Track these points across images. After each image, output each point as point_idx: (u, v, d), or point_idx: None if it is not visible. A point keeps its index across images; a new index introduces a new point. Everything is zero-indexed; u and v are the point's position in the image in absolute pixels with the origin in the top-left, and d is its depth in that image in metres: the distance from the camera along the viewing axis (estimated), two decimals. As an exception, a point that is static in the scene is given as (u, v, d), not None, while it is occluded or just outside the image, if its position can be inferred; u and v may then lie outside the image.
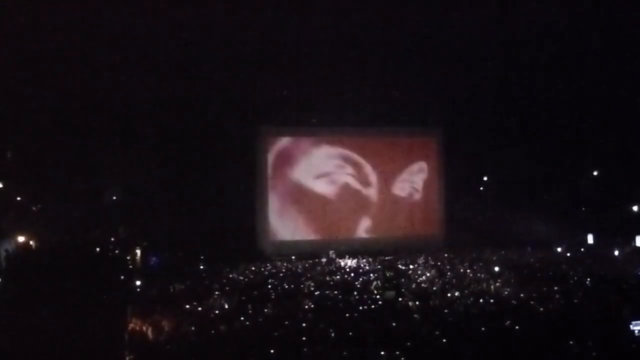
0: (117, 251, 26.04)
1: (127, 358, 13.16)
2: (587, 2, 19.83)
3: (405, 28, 22.81)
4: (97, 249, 26.08)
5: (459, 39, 24.12)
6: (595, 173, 32.71)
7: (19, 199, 27.05)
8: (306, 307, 17.84)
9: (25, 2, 19.79)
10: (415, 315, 16.35)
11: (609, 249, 27.66)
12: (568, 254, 27.86)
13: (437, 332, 14.20)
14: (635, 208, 30.20)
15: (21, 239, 24.71)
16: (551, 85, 28.50)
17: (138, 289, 20.76)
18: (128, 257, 25.70)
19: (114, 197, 30.83)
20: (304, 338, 13.98)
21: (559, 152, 31.90)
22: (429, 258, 27.72)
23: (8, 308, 15.58)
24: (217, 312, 17.48)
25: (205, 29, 21.69)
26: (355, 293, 19.66)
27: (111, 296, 16.55)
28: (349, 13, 21.01)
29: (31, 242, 25.75)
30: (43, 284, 16.16)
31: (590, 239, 29.46)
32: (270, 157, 32.58)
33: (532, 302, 17.63)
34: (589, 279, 21.23)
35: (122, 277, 21.05)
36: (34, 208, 27.86)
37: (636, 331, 14.04)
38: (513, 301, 18.06)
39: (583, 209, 32.27)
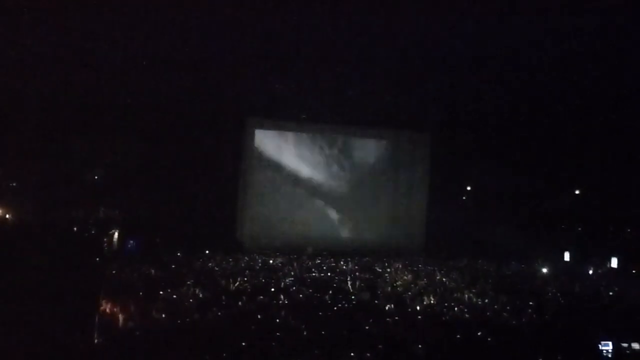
0: (93, 232, 25.95)
1: (97, 341, 13.09)
2: (577, 10, 19.83)
3: (396, 31, 22.79)
4: (75, 229, 25.99)
5: (449, 45, 24.14)
6: (577, 192, 32.97)
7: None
8: (280, 302, 17.85)
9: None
10: (389, 319, 16.38)
11: (584, 268, 27.88)
12: (543, 270, 28.03)
13: (409, 337, 14.26)
14: (612, 229, 30.46)
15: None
16: (536, 101, 28.66)
17: (113, 272, 20.62)
18: (105, 239, 25.60)
19: (96, 177, 30.65)
20: (276, 333, 13.99)
21: (542, 168, 32.11)
22: (407, 262, 27.83)
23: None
24: (190, 301, 17.41)
25: (191, 20, 21.53)
26: (331, 292, 19.66)
27: (84, 277, 16.46)
28: (341, 12, 20.93)
29: (7, 216, 25.61)
30: (14, 260, 16.02)
31: (566, 256, 29.64)
32: (254, 149, 32.50)
33: (505, 314, 17.74)
34: (562, 296, 21.39)
35: (97, 259, 20.95)
36: (13, 184, 27.68)
37: (604, 351, 14.17)
38: (486, 312, 18.16)
39: (562, 226, 32.50)
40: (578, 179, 32.21)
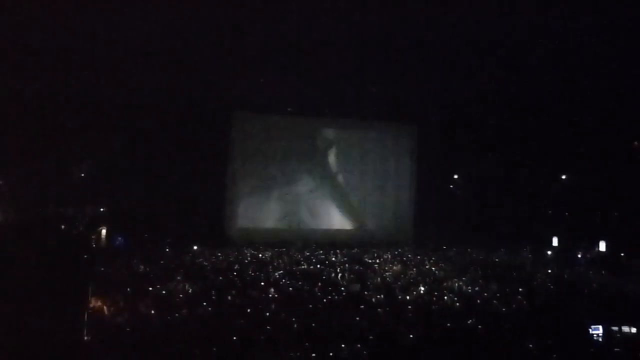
0: (82, 229, 25.81)
1: (86, 338, 13.00)
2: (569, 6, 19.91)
3: (384, 23, 22.72)
4: (62, 226, 25.83)
5: (437, 38, 24.10)
6: (563, 177, 33.07)
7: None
8: (270, 296, 17.81)
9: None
10: (379, 310, 16.37)
11: (572, 253, 28.03)
12: (532, 256, 28.17)
13: (399, 327, 14.26)
14: (600, 214, 30.59)
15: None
16: (524, 89, 28.67)
17: (101, 269, 20.50)
18: (93, 236, 25.47)
19: (83, 175, 30.46)
20: (266, 327, 13.95)
21: (529, 154, 32.18)
22: (396, 253, 27.88)
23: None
24: (180, 296, 17.35)
25: (176, 15, 21.35)
26: (320, 284, 19.65)
27: (73, 274, 16.33)
28: (327, 6, 20.83)
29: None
30: (1, 258, 15.87)
31: (555, 241, 29.79)
32: (241, 143, 32.36)
33: (495, 302, 17.78)
34: (551, 282, 21.49)
35: (85, 256, 20.78)
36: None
37: (595, 335, 14.23)
38: (477, 300, 18.19)
39: (550, 212, 32.63)
40: (564, 164, 32.28)
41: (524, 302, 17.82)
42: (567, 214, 31.83)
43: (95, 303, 15.54)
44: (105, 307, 15.47)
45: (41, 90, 26.27)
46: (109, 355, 12.45)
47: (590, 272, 23.86)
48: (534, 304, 17.79)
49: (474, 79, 27.45)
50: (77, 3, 19.86)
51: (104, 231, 26.52)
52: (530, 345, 12.98)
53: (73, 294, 14.44)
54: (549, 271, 23.82)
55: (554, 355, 12.58)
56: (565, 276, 23.10)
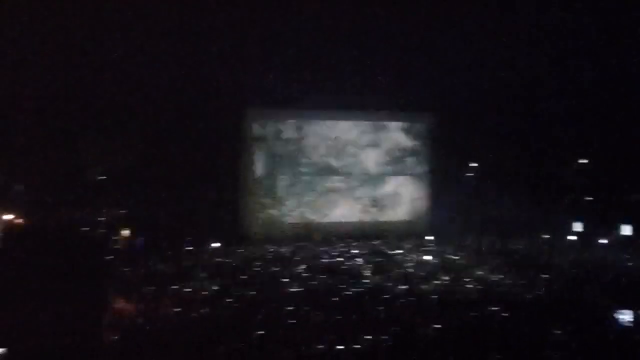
0: (101, 231, 25.95)
1: (110, 339, 13.06)
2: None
3: (394, 13, 22.65)
4: (82, 229, 25.99)
5: (449, 26, 24.00)
6: (582, 161, 32.74)
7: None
8: (292, 290, 17.83)
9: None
10: (402, 300, 16.34)
11: (594, 238, 27.74)
12: (554, 242, 27.92)
13: (422, 317, 14.21)
14: (621, 197, 30.26)
15: (6, 217, 24.60)
16: (539, 74, 28.46)
17: (122, 270, 20.61)
18: (113, 238, 25.60)
19: (100, 178, 30.60)
20: (289, 321, 13.97)
21: (546, 139, 31.91)
22: (417, 243, 27.80)
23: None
24: (202, 294, 17.42)
25: (188, 13, 21.43)
26: (342, 277, 19.65)
27: (95, 276, 16.43)
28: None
29: (17, 219, 25.64)
30: (24, 262, 15.99)
31: (576, 227, 29.50)
32: (258, 138, 32.35)
33: (517, 289, 17.67)
34: (574, 267, 21.31)
35: (106, 258, 20.91)
36: (18, 187, 27.68)
37: (620, 319, 14.09)
38: (498, 288, 18.10)
39: (571, 197, 32.33)
40: (584, 148, 31.99)
41: (548, 288, 17.70)
42: (588, 198, 31.52)
43: (116, 304, 15.62)
44: (127, 308, 15.54)
45: (61, 93, 26.47)
46: (131, 356, 12.51)
47: (614, 256, 23.58)
48: (558, 289, 17.67)
49: (489, 66, 27.31)
50: (96, 4, 20.02)
51: (123, 232, 26.64)
52: (555, 331, 12.88)
53: (94, 296, 14.52)
54: (572, 256, 23.60)
55: (579, 340, 12.48)
56: (589, 261, 22.88)
